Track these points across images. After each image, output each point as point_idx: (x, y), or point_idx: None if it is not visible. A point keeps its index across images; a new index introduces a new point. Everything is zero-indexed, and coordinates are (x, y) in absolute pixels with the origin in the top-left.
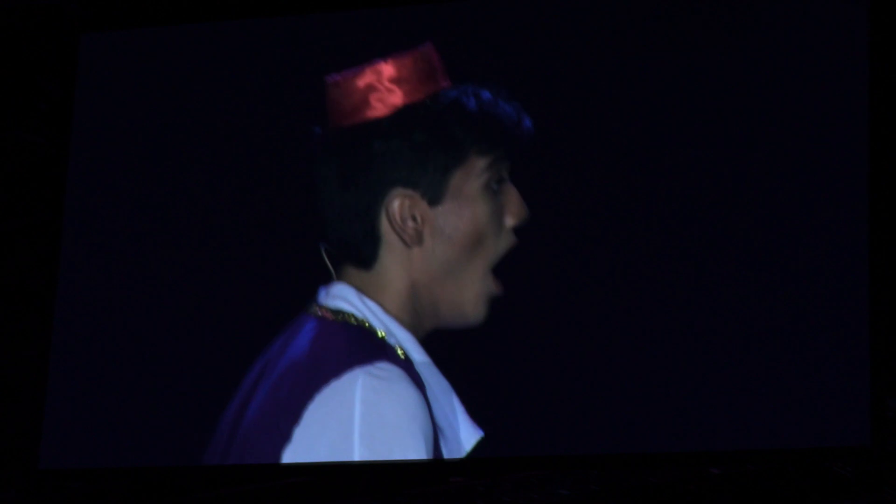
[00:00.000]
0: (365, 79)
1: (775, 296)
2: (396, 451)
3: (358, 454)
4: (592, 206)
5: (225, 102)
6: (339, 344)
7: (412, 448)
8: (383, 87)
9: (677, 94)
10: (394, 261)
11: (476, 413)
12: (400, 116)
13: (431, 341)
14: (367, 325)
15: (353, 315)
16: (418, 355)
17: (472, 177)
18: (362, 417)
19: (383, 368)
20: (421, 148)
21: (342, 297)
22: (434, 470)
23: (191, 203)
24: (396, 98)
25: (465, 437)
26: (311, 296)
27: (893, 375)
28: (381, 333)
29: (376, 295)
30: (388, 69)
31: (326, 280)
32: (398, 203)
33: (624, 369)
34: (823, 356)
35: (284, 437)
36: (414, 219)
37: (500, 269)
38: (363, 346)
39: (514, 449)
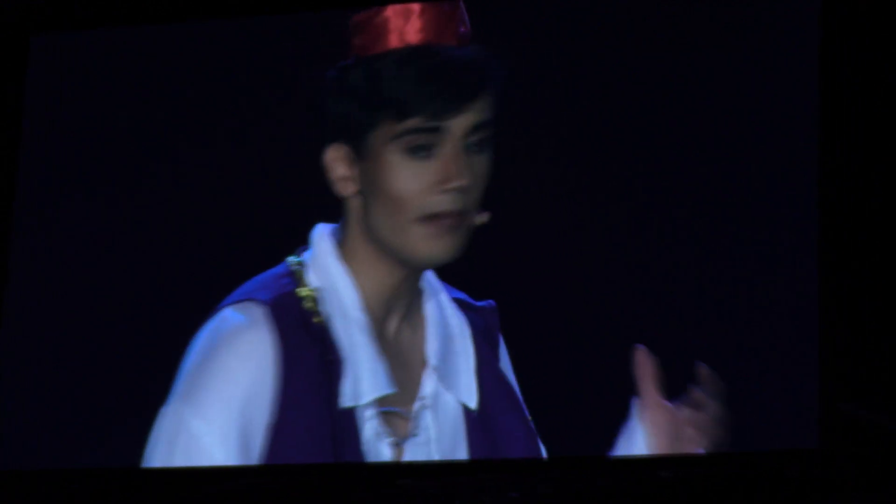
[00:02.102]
0: (354, 21)
1: (724, 299)
2: (196, 393)
3: (179, 398)
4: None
5: (176, 102)
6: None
7: (212, 393)
8: (351, 34)
9: (647, 90)
10: (347, 207)
11: None
12: (353, 68)
13: None
14: (295, 263)
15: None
16: (346, 300)
17: (389, 140)
18: (193, 361)
19: (242, 309)
20: (354, 103)
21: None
22: (383, 472)
23: (141, 203)
24: (359, 49)
25: (369, 388)
26: None
27: (842, 378)
28: (294, 266)
29: (342, 236)
30: (359, 16)
31: None
32: (329, 155)
33: (572, 373)
34: (772, 359)
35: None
36: (345, 171)
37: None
38: (255, 284)
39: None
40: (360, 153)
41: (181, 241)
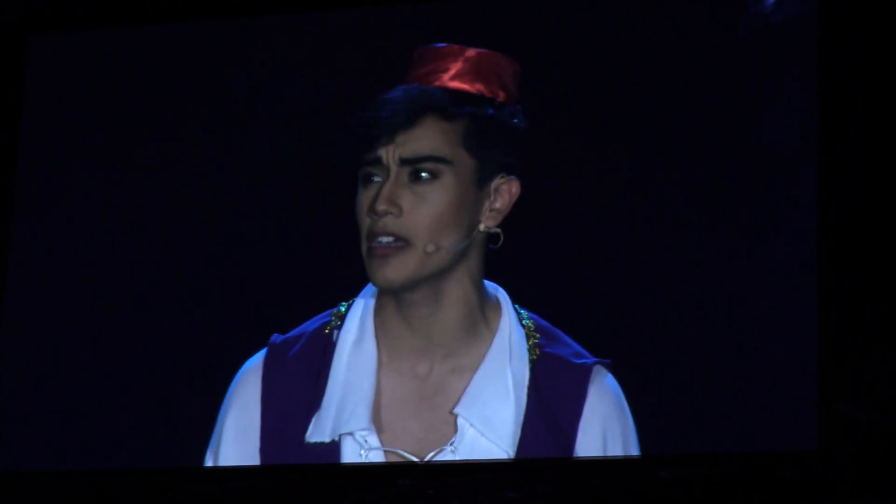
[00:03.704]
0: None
1: (724, 300)
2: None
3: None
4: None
5: (176, 102)
6: None
7: (218, 427)
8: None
9: (643, 95)
10: None
11: None
12: None
13: None
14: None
15: None
16: (349, 339)
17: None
18: None
19: (259, 352)
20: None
21: None
22: (381, 473)
23: (141, 203)
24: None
25: (333, 425)
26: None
27: (841, 379)
28: (342, 309)
29: None
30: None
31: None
32: None
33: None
34: (772, 360)
35: None
36: None
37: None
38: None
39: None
40: None
41: (181, 241)
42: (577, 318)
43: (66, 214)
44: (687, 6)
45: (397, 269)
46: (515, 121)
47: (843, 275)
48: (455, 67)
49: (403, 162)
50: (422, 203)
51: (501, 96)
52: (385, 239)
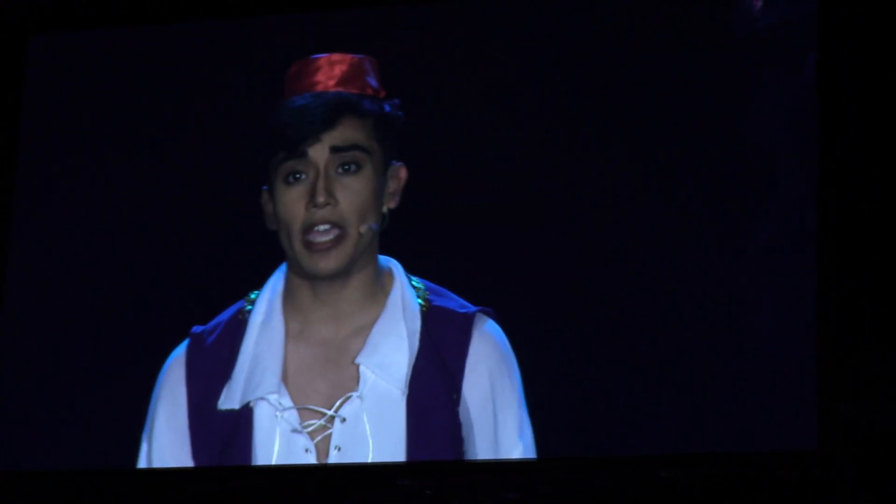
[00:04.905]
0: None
1: (723, 300)
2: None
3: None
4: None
5: (175, 102)
6: None
7: (152, 415)
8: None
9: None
10: None
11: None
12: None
13: None
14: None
15: None
16: (258, 319)
17: (275, 173)
18: None
19: (181, 347)
20: (259, 147)
21: None
22: (381, 473)
23: (140, 202)
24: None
25: (255, 389)
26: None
27: (841, 379)
28: (253, 296)
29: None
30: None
31: None
32: (262, 197)
33: (571, 374)
34: (771, 360)
35: None
36: (269, 209)
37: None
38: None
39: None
40: (271, 191)
41: (180, 241)
42: (573, 318)
43: (65, 214)
44: (684, 6)
45: (337, 258)
46: (399, 113)
47: (843, 275)
48: (339, 73)
49: (334, 150)
50: (350, 192)
51: (382, 94)
52: (324, 227)
